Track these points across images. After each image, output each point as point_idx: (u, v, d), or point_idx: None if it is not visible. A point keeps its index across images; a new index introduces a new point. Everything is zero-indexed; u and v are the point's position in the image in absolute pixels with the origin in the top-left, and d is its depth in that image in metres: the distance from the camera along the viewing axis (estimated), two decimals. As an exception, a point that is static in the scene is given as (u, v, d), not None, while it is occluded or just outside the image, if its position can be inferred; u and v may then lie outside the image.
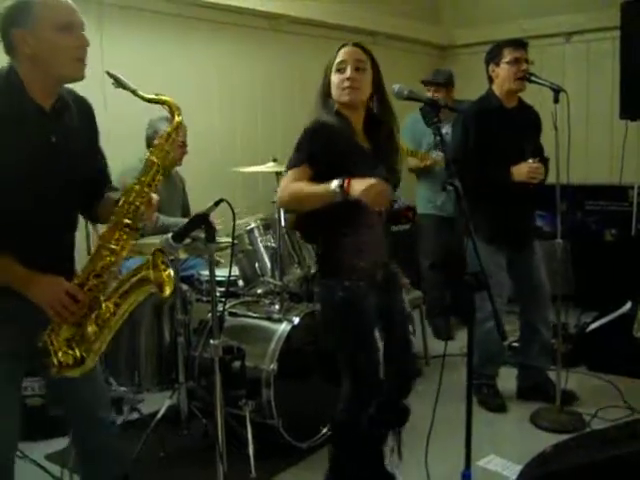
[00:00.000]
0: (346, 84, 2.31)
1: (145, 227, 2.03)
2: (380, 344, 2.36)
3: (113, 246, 1.87)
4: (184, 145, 3.67)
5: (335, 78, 2.34)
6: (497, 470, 2.88)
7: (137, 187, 1.88)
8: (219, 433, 1.86)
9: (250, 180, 4.51)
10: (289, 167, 2.29)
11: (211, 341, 1.91)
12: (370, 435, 2.44)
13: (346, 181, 2.11)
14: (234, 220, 1.92)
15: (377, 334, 2.36)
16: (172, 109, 1.90)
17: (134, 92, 1.87)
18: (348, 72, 2.31)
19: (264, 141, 4.83)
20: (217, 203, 1.89)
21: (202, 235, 1.95)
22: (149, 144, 3.67)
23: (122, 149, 3.35)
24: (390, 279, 2.48)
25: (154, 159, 1.90)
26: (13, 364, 1.91)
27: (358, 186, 2.08)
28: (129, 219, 1.87)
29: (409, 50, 6.11)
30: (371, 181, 2.09)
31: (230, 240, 3.24)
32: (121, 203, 1.88)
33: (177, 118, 1.90)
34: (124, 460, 2.33)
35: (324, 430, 3.11)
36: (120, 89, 1.90)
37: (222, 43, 4.64)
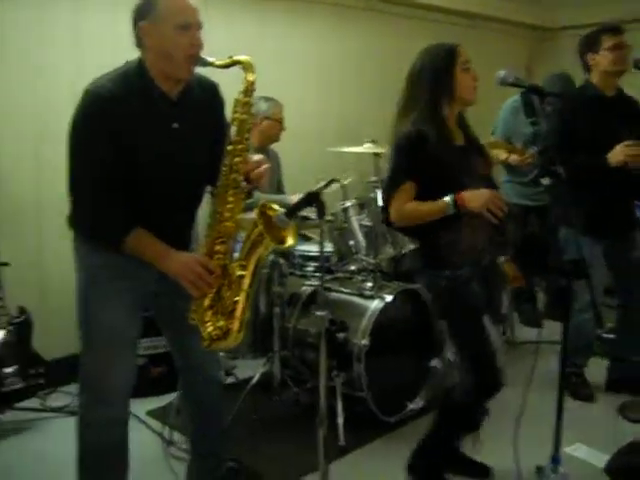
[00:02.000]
0: (474, 84, 2.36)
1: (254, 191, 2.11)
2: (491, 331, 2.40)
3: (227, 213, 1.98)
4: (281, 122, 3.78)
5: (464, 77, 2.34)
6: (583, 458, 2.89)
7: (230, 147, 1.98)
8: (322, 399, 1.96)
9: (342, 160, 4.58)
10: (392, 186, 2.35)
11: (317, 312, 2.01)
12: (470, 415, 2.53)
13: (457, 197, 2.22)
14: (344, 200, 2.01)
15: (486, 320, 2.40)
16: (246, 67, 1.96)
17: (212, 64, 1.96)
18: (474, 73, 2.36)
19: (356, 121, 4.89)
20: (329, 183, 1.98)
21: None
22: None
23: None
24: (493, 272, 2.50)
25: (238, 116, 1.98)
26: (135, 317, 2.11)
27: (473, 202, 2.20)
28: (232, 180, 1.97)
29: (507, 32, 5.99)
30: (484, 194, 2.20)
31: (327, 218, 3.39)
32: (223, 169, 1.99)
33: (250, 77, 1.96)
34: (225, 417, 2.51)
35: (411, 406, 3.19)
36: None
37: (318, 22, 4.71)
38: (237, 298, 1.96)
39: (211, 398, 2.31)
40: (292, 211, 1.94)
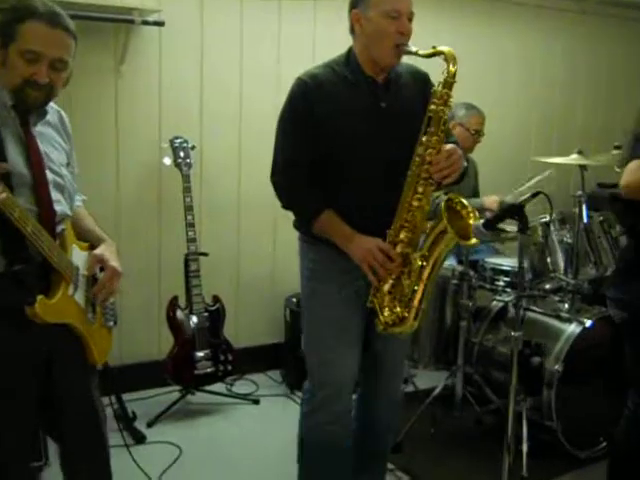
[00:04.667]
0: None
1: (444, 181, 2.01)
2: None
3: (415, 202, 1.94)
4: (477, 133, 3.65)
5: None
6: None
7: (424, 138, 1.93)
8: (509, 427, 1.84)
9: (542, 170, 4.32)
10: (632, 157, 2.06)
11: (512, 333, 1.89)
12: None
13: None
14: (551, 212, 1.86)
15: None
16: (448, 58, 1.91)
17: (416, 52, 1.93)
18: None
19: (560, 130, 4.60)
20: (534, 195, 1.85)
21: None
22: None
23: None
24: None
25: (434, 107, 1.92)
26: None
27: None
28: (424, 171, 1.92)
29: (623, 17, 5.05)
30: None
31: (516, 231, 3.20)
32: (415, 159, 1.94)
33: (452, 67, 1.91)
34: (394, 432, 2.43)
35: (605, 443, 2.92)
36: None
37: (519, 24, 4.49)
38: (416, 287, 1.93)
39: (380, 413, 2.26)
40: (492, 222, 1.83)
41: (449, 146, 1.95)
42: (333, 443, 2.15)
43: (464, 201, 1.94)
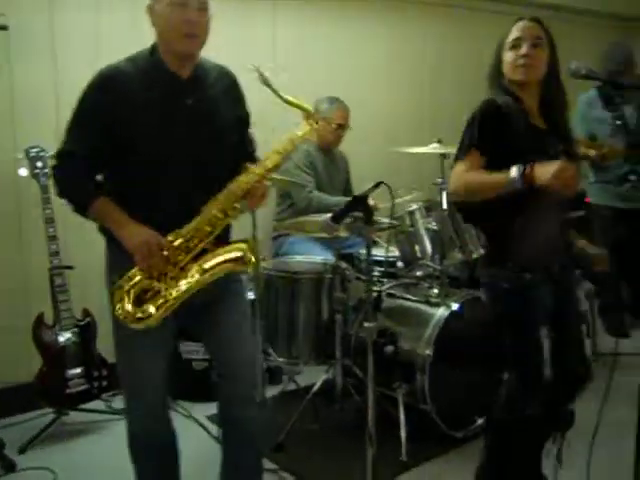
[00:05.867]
0: (521, 61, 2.16)
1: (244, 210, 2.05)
2: (545, 343, 2.22)
3: (218, 217, 1.93)
4: (340, 127, 3.70)
5: (509, 55, 2.20)
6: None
7: (252, 168, 1.95)
8: (369, 416, 1.85)
9: (414, 161, 4.44)
10: (459, 154, 2.17)
11: (365, 324, 1.90)
12: (529, 436, 2.32)
13: (528, 168, 1.98)
14: (393, 203, 1.89)
15: (543, 332, 2.22)
16: (307, 116, 1.97)
17: (275, 92, 1.94)
18: (524, 49, 2.17)
19: (430, 122, 4.73)
20: (376, 186, 1.87)
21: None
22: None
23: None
24: (566, 272, 2.32)
25: (275, 156, 1.96)
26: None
27: (544, 172, 1.94)
28: (238, 202, 1.94)
29: (592, 24, 5.66)
30: (558, 164, 1.94)
31: (390, 221, 3.26)
32: (240, 179, 1.94)
33: (306, 128, 1.97)
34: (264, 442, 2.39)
35: (480, 421, 3.02)
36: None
37: (390, 19, 4.58)
38: (174, 294, 1.90)
39: (237, 421, 2.19)
40: (338, 216, 1.83)
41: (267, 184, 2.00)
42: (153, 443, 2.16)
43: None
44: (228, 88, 2.08)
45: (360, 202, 1.81)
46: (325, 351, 3.18)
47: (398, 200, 3.25)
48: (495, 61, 2.26)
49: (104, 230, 2.07)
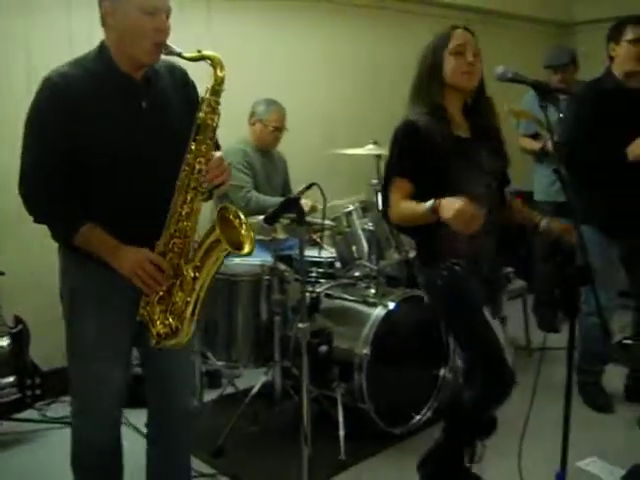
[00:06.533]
0: (467, 69, 2.23)
1: (214, 190, 1.98)
2: (494, 323, 2.27)
3: (185, 212, 1.88)
4: (276, 129, 3.71)
5: (453, 61, 2.25)
6: (597, 473, 2.73)
7: (193, 146, 1.87)
8: (304, 416, 1.86)
9: (352, 162, 4.48)
10: (386, 180, 2.25)
11: (299, 325, 1.92)
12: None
13: (437, 203, 2.05)
14: (324, 204, 1.91)
15: (487, 313, 2.28)
16: (215, 64, 1.87)
17: (179, 54, 1.87)
18: (470, 57, 2.24)
19: (368, 122, 4.78)
20: (308, 187, 1.88)
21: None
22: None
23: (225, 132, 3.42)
24: (495, 273, 2.41)
25: (202, 115, 1.87)
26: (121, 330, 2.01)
27: (446, 211, 2.01)
28: (193, 180, 1.87)
29: (523, 29, 5.83)
30: (459, 205, 1.98)
31: (328, 223, 3.28)
32: (185, 168, 1.88)
33: (219, 73, 1.86)
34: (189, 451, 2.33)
35: (417, 417, 3.07)
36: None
37: (326, 21, 4.61)
38: (189, 299, 1.88)
39: (168, 431, 2.16)
40: (271, 218, 1.84)
41: (218, 154, 1.93)
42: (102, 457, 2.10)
43: (238, 211, 1.90)
44: (179, 84, 2.02)
45: (292, 203, 1.82)
46: (264, 353, 3.18)
47: (336, 202, 3.32)
48: (435, 64, 2.28)
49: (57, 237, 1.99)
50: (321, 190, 1.89)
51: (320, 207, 3.49)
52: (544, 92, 2.13)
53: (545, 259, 4.51)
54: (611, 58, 3.19)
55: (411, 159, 2.20)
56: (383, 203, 2.31)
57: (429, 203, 2.05)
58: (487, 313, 2.31)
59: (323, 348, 2.74)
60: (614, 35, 3.16)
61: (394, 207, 2.23)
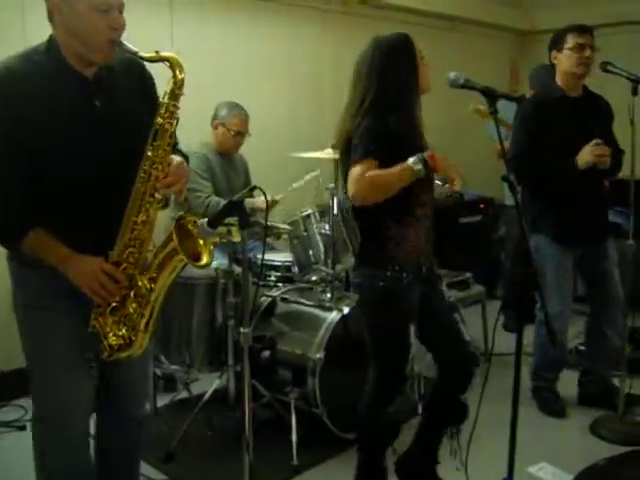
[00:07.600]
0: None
1: (171, 198, 1.94)
2: (412, 341, 2.31)
3: (140, 218, 1.81)
4: (238, 134, 3.69)
5: (421, 66, 2.36)
6: (547, 478, 2.75)
7: (150, 153, 1.80)
8: (246, 423, 1.84)
9: (313, 165, 4.47)
10: (356, 160, 2.23)
11: (241, 329, 1.89)
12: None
13: (428, 153, 2.18)
14: (267, 207, 1.89)
15: (412, 330, 2.31)
16: (173, 66, 1.79)
17: (135, 54, 1.80)
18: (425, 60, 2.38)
19: (330, 126, 4.76)
20: (251, 190, 1.87)
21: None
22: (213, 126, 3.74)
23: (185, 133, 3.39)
24: (432, 272, 2.44)
25: (160, 120, 1.80)
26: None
27: (440, 160, 2.18)
28: (149, 187, 1.79)
29: (487, 35, 5.90)
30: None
31: (286, 227, 3.27)
32: (141, 175, 1.81)
33: (179, 75, 1.79)
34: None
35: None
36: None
37: (289, 25, 4.61)
38: (143, 312, 1.83)
39: (120, 438, 2.12)
40: (215, 221, 1.81)
41: (177, 160, 1.86)
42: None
43: (197, 221, 1.85)
44: (137, 80, 1.95)
45: (235, 207, 1.80)
46: (219, 357, 3.15)
47: (300, 182, 3.35)
48: (412, 72, 2.34)
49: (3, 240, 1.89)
50: (264, 193, 1.88)
51: (277, 197, 3.51)
52: (492, 98, 2.15)
53: (513, 262, 4.56)
54: (553, 66, 3.24)
55: (380, 146, 2.24)
56: (344, 186, 2.32)
57: (416, 155, 2.16)
58: (412, 330, 2.41)
59: (265, 353, 2.72)
60: (556, 43, 3.20)
61: (359, 177, 2.18)
